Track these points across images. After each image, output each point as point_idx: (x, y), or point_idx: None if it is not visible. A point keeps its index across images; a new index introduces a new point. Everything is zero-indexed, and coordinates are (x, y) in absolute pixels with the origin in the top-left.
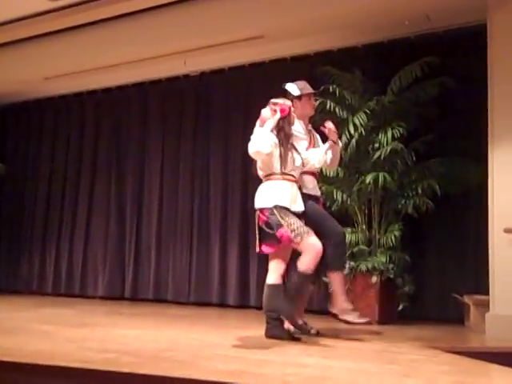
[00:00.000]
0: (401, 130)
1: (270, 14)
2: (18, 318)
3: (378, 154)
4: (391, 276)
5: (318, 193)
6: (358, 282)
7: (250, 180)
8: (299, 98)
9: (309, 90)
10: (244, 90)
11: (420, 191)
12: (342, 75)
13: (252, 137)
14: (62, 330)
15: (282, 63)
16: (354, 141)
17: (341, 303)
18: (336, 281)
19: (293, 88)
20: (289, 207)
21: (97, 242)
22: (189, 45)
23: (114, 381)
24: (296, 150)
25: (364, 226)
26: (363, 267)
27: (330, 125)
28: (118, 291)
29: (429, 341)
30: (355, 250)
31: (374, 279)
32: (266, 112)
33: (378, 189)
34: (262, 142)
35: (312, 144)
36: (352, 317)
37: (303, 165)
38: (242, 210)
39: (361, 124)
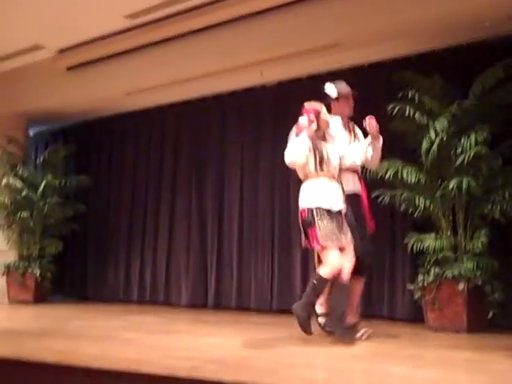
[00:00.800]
0: (484, 133)
1: (345, 21)
2: (105, 326)
3: (461, 158)
4: (479, 283)
5: (357, 189)
6: (444, 289)
7: None
8: (337, 99)
9: (346, 90)
10: (321, 98)
11: (507, 196)
12: (421, 80)
13: (288, 145)
14: (147, 337)
15: (359, 71)
16: (435, 146)
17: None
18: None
19: (331, 89)
20: (327, 207)
21: (179, 251)
22: (265, 55)
23: None
24: (331, 149)
25: (448, 232)
26: (449, 274)
27: (370, 120)
28: (201, 299)
29: None
30: (440, 256)
31: (461, 286)
32: (303, 120)
33: (462, 194)
34: (297, 152)
35: (353, 141)
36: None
37: (341, 163)
38: None
39: (442, 129)
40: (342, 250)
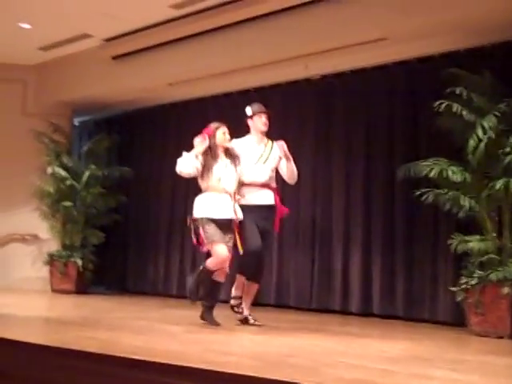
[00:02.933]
0: None
1: (393, 15)
2: (146, 319)
3: (509, 158)
4: None
5: (263, 201)
6: (488, 292)
7: (372, 182)
8: (251, 117)
9: (259, 109)
10: (366, 93)
11: None
12: (470, 77)
13: (178, 159)
14: (188, 331)
15: (406, 65)
16: (482, 144)
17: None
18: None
19: (247, 109)
20: (210, 217)
21: None
22: (311, 48)
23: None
24: (234, 166)
25: (494, 234)
26: (493, 277)
27: (280, 144)
28: None
29: None
30: (484, 258)
31: (506, 290)
32: (197, 139)
33: (509, 194)
34: (182, 165)
35: (267, 156)
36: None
37: (241, 179)
38: (364, 214)
39: (490, 127)
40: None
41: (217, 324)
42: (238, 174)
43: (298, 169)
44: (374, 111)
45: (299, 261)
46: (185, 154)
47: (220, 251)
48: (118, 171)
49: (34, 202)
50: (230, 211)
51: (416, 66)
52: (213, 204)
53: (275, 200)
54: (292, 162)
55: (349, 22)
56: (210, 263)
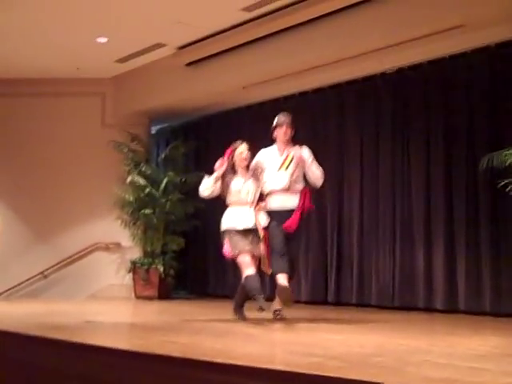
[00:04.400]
0: None
1: (468, 1)
2: (226, 322)
3: None
4: None
5: (286, 206)
6: None
7: (454, 174)
8: (275, 127)
9: (281, 120)
10: (444, 83)
11: None
12: None
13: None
14: (268, 333)
15: (485, 52)
16: None
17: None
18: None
19: (274, 121)
20: (234, 227)
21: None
22: (385, 41)
23: None
24: (254, 178)
25: None
26: None
27: (297, 150)
28: (321, 296)
29: None
30: None
31: None
32: (217, 163)
33: None
34: (202, 189)
35: (288, 164)
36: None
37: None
38: (446, 208)
39: None
40: (252, 256)
41: (245, 319)
42: (257, 185)
43: (375, 166)
44: (453, 101)
45: (380, 258)
46: (205, 177)
47: (242, 261)
48: (195, 177)
49: (115, 212)
50: (250, 220)
51: (496, 52)
52: (233, 217)
53: (300, 202)
54: (313, 166)
55: (424, 12)
56: (242, 275)
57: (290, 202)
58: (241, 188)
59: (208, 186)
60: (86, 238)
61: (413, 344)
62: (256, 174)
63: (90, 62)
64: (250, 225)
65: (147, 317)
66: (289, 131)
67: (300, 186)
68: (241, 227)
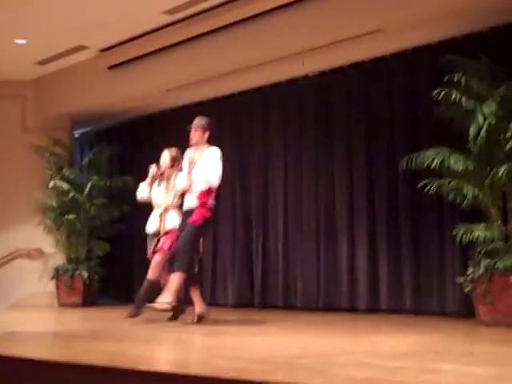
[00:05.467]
0: None
1: (387, 6)
2: (153, 328)
3: (511, 143)
4: None
5: (190, 206)
6: (495, 282)
7: (375, 176)
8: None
9: (190, 126)
10: (364, 86)
11: None
12: (467, 63)
13: None
14: (196, 338)
15: (404, 56)
16: (483, 131)
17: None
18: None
19: None
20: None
21: (224, 251)
22: (306, 45)
23: None
24: (166, 182)
25: (499, 222)
26: (500, 266)
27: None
28: (247, 299)
29: None
30: (490, 247)
31: None
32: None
33: None
34: (137, 193)
35: (193, 166)
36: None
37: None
38: (368, 209)
39: (490, 113)
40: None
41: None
42: (166, 188)
43: (299, 168)
44: (373, 104)
45: (305, 261)
46: (141, 184)
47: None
48: (120, 181)
49: (37, 217)
50: (155, 223)
51: (413, 56)
52: (149, 220)
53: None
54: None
55: (343, 16)
56: None
57: (190, 202)
58: (154, 193)
59: (139, 191)
60: (5, 245)
61: (337, 345)
62: (167, 179)
63: (8, 64)
64: (149, 229)
65: (71, 325)
66: (196, 134)
67: (200, 186)
68: (146, 230)
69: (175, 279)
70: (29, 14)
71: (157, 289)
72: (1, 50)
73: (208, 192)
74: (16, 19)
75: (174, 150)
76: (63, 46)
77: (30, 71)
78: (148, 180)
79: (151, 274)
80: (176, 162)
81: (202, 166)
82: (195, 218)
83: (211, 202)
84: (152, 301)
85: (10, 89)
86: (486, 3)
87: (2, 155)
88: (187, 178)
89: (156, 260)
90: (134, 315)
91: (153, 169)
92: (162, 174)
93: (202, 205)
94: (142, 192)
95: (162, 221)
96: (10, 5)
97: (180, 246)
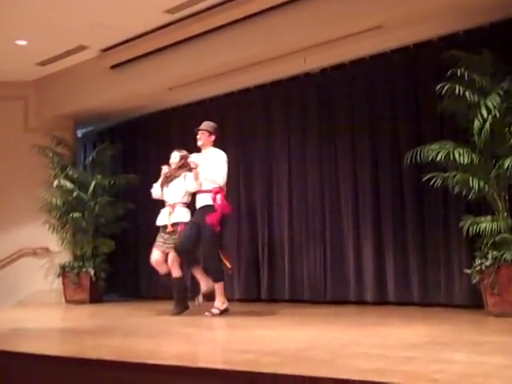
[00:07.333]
0: None
1: (387, 2)
2: (160, 322)
3: None
4: None
5: (203, 203)
6: (503, 273)
7: (380, 171)
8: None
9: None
10: (366, 82)
11: None
12: (470, 57)
13: None
14: (203, 332)
15: (405, 52)
16: (487, 124)
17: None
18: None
19: None
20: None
21: (230, 246)
22: (307, 42)
23: (255, 381)
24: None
25: (505, 214)
26: (508, 257)
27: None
28: (254, 293)
29: None
30: (497, 238)
31: None
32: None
33: None
34: (152, 192)
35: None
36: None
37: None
38: (373, 204)
39: (494, 106)
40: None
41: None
42: (176, 187)
43: (303, 164)
44: (376, 100)
45: (311, 255)
46: (155, 184)
47: (152, 253)
48: (124, 179)
49: (42, 216)
50: (165, 218)
51: (415, 52)
52: (160, 215)
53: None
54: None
55: (344, 13)
56: None
57: (202, 200)
58: (166, 191)
59: (153, 190)
60: (12, 244)
61: (345, 336)
62: (175, 178)
63: (9, 65)
64: (161, 222)
65: (79, 321)
66: (203, 137)
67: (209, 186)
68: (158, 223)
69: (219, 288)
70: (29, 15)
71: (184, 282)
72: (2, 51)
73: (219, 191)
74: (17, 20)
75: (182, 151)
76: (64, 47)
77: (32, 72)
78: (161, 180)
79: (175, 273)
80: (185, 162)
81: (208, 168)
82: (211, 219)
83: (223, 200)
84: (187, 294)
85: (11, 90)
86: None
87: (5, 155)
88: (195, 182)
89: (172, 257)
90: (179, 312)
91: (164, 169)
92: (171, 173)
93: (216, 204)
94: (156, 191)
95: (171, 215)
96: (10, 6)
97: (206, 255)
